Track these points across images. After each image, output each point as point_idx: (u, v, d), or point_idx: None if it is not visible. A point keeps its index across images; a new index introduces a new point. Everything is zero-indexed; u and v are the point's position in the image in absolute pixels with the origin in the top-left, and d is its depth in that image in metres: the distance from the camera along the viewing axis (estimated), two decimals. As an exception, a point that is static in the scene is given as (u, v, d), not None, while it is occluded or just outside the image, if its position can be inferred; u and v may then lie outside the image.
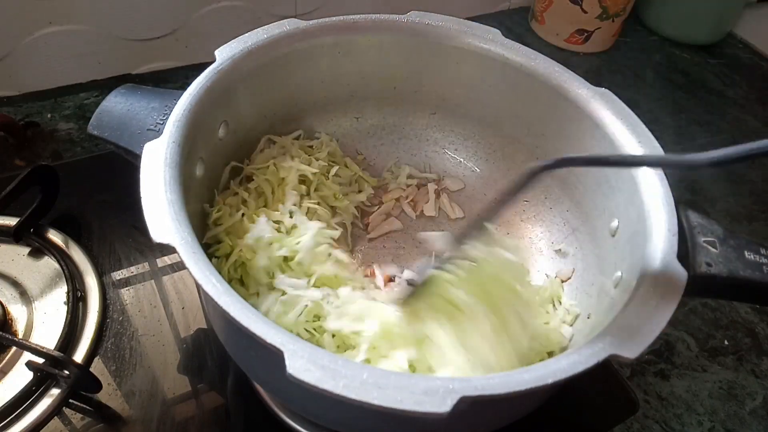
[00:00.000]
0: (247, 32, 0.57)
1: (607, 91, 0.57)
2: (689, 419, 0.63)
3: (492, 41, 0.62)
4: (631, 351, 0.38)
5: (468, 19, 0.63)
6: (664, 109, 1.03)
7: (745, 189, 0.90)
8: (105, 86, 0.90)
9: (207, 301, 0.53)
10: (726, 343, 0.71)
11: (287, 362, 0.34)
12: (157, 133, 0.48)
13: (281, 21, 0.58)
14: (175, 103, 0.49)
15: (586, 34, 1.09)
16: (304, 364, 0.34)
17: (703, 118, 1.03)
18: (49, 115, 0.85)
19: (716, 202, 0.88)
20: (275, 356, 0.34)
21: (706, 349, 0.70)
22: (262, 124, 0.61)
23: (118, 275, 0.67)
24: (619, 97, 0.57)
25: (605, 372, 0.65)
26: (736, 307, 0.74)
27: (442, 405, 0.33)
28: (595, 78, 0.59)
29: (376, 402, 0.33)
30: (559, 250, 0.65)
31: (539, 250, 0.67)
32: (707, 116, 1.03)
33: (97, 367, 0.59)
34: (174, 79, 0.93)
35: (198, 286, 0.47)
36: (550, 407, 0.49)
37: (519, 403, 0.45)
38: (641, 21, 1.22)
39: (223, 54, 0.54)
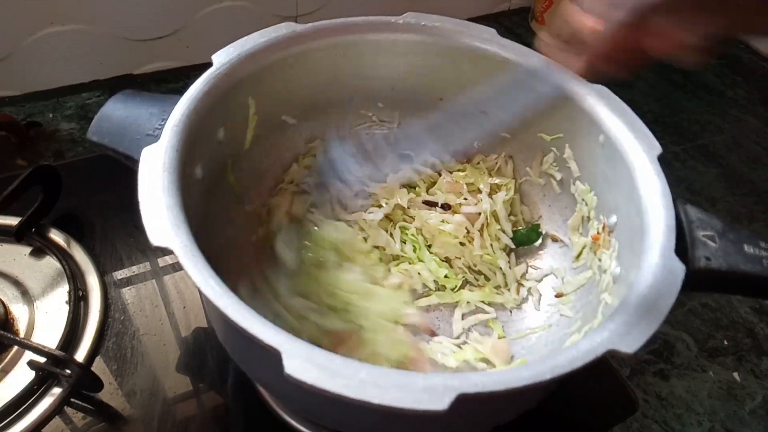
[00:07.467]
0: (248, 33, 0.57)
1: (603, 87, 0.57)
2: (689, 419, 0.63)
3: (488, 40, 0.62)
4: (630, 346, 0.38)
5: (468, 19, 0.63)
6: (665, 110, 1.03)
7: (745, 189, 0.90)
8: (107, 86, 0.90)
9: (206, 303, 0.53)
10: (726, 343, 0.71)
11: (285, 362, 0.34)
12: (156, 138, 0.48)
13: (278, 25, 0.59)
14: (174, 109, 0.49)
15: (586, 34, 1.08)
16: (301, 363, 0.34)
17: (704, 118, 1.03)
18: (51, 115, 0.85)
19: (716, 202, 0.88)
20: (273, 356, 0.34)
21: (705, 349, 0.70)
22: (260, 127, 0.61)
23: (119, 275, 0.67)
24: (620, 97, 0.57)
25: (604, 371, 0.66)
26: (736, 307, 0.74)
27: (440, 402, 0.33)
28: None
29: (374, 401, 0.33)
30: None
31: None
32: (708, 116, 1.03)
33: (99, 367, 0.59)
34: (175, 80, 0.93)
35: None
36: (550, 406, 0.49)
37: (518, 399, 0.46)
38: (642, 21, 1.22)
39: (220, 58, 0.54)
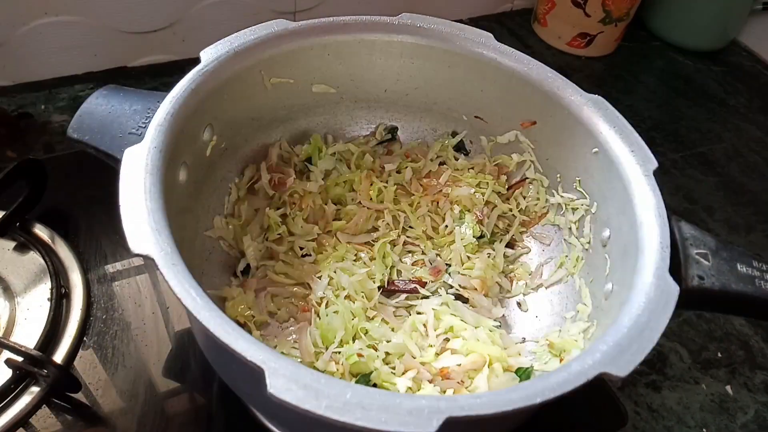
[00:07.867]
0: (244, 27, 0.56)
1: (599, 97, 0.57)
2: (680, 432, 0.63)
3: (484, 45, 0.61)
4: (621, 369, 0.38)
5: (470, 20, 0.62)
6: (665, 116, 1.02)
7: (744, 199, 0.90)
8: (101, 78, 0.89)
9: (188, 314, 0.52)
10: (719, 355, 0.70)
11: (268, 381, 0.33)
12: (139, 137, 0.47)
13: (269, 22, 0.57)
14: (158, 106, 0.48)
15: (588, 37, 1.07)
16: (285, 382, 0.33)
17: (704, 125, 1.02)
18: (42, 107, 0.84)
19: (714, 212, 0.87)
20: (256, 373, 0.33)
21: (699, 361, 0.69)
22: (248, 126, 0.60)
23: (102, 272, 0.66)
24: (620, 103, 0.56)
25: (595, 383, 0.65)
26: (731, 319, 0.74)
27: (428, 426, 0.32)
28: (596, 83, 0.58)
29: (359, 423, 0.32)
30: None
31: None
32: (708, 124, 1.02)
33: (79, 366, 0.58)
34: (170, 73, 0.92)
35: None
36: (538, 419, 0.48)
37: (505, 421, 0.45)
38: (644, 26, 1.21)
39: (209, 55, 0.53)
